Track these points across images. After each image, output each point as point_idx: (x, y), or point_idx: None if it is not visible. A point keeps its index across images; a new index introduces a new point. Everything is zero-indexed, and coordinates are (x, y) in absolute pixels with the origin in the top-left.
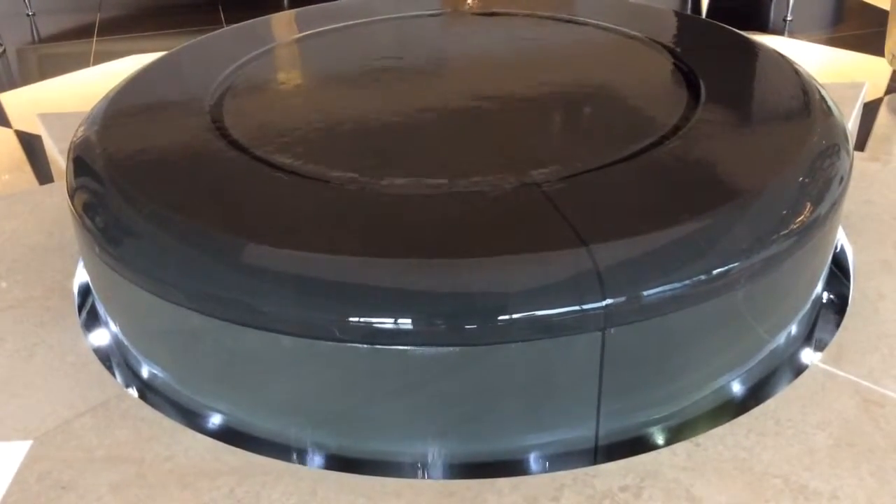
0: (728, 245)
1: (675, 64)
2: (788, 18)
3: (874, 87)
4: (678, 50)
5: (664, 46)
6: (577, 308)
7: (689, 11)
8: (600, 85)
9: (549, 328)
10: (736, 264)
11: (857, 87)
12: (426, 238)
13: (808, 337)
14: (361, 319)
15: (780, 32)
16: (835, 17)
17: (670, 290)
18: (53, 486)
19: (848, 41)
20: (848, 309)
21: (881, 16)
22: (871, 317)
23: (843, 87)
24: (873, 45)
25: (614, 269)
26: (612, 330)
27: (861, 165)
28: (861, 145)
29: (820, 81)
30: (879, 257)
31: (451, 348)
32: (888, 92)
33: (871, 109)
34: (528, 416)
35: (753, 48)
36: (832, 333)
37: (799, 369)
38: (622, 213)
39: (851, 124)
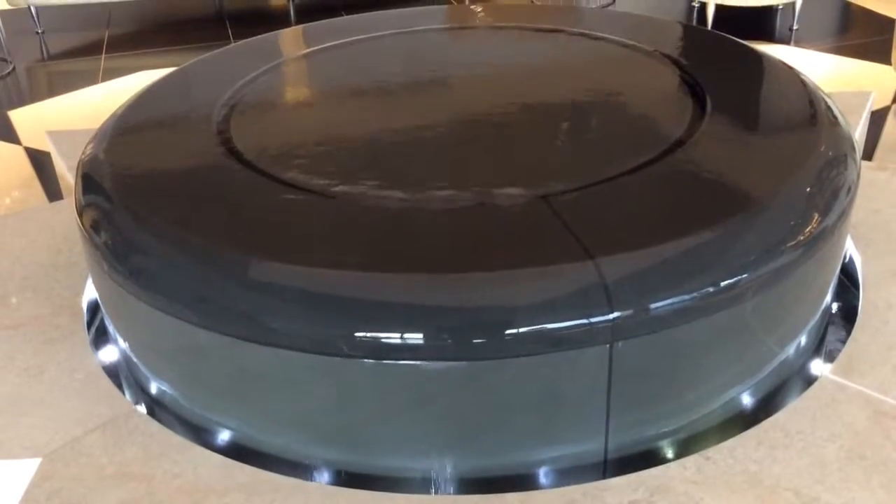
0: (736, 256)
1: (681, 76)
2: (794, 28)
3: (881, 95)
4: (684, 62)
5: (670, 58)
6: (584, 322)
7: (694, 23)
8: (606, 97)
9: (556, 342)
10: (744, 276)
11: (864, 95)
12: (433, 252)
13: (818, 348)
14: (368, 335)
15: (786, 42)
16: (841, 26)
17: (678, 302)
18: None
19: (854, 50)
20: (857, 320)
21: (887, 24)
22: (881, 327)
23: (849, 95)
24: (880, 54)
25: (622, 282)
26: (620, 343)
27: (869, 175)
28: (869, 154)
29: (826, 90)
30: (888, 267)
31: (458, 363)
32: (895, 101)
33: (878, 118)
34: (536, 430)
35: (759, 59)
36: (842, 344)
37: (809, 381)
38: (629, 225)
39: (859, 133)
